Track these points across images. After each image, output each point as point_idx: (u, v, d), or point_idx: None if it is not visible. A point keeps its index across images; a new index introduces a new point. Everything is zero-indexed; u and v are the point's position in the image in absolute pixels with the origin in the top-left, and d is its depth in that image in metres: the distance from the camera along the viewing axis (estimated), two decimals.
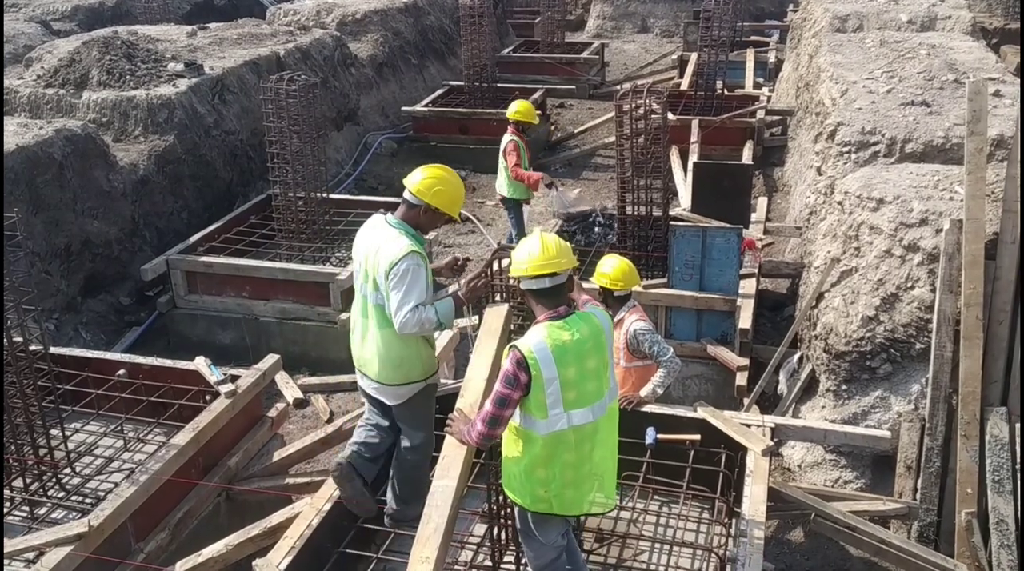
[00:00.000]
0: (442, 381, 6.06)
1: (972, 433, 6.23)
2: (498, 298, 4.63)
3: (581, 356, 3.95)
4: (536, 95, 15.28)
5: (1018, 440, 6.13)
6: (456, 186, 5.10)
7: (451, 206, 5.06)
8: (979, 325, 6.27)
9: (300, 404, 8.29)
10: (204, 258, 9.19)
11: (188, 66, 11.45)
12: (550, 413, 3.92)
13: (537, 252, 4.01)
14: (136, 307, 9.64)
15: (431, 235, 7.69)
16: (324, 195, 9.75)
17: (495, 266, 4.67)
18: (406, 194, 5.05)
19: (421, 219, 5.05)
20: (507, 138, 9.88)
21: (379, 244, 4.98)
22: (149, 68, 11.28)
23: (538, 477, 4.01)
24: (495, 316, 4.30)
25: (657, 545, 5.41)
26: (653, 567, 5.25)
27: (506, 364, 3.90)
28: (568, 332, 3.94)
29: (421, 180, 5.00)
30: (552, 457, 3.99)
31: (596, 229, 9.72)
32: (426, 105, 15.14)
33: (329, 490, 5.44)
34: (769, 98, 14.76)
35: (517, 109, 9.98)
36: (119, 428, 6.41)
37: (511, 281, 4.61)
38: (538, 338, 3.90)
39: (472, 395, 3.99)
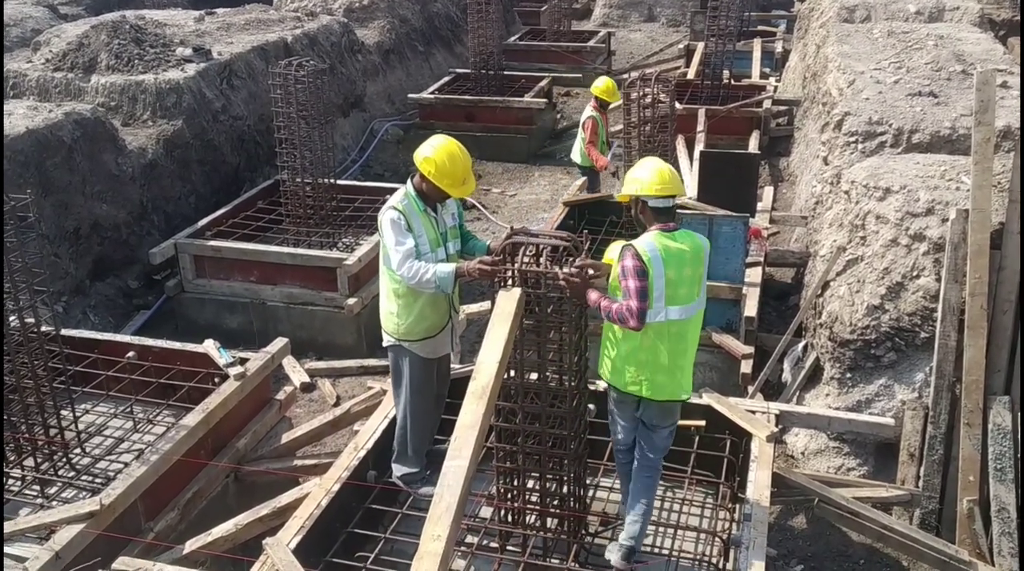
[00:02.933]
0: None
1: (975, 421, 6.27)
2: (510, 283, 4.67)
3: (682, 263, 4.64)
4: (543, 83, 15.32)
5: (1020, 429, 6.17)
6: (452, 162, 5.22)
7: (441, 177, 5.21)
8: (983, 314, 6.31)
9: (307, 388, 8.38)
10: (212, 242, 9.23)
11: (196, 51, 11.47)
12: (655, 305, 4.60)
13: (665, 176, 4.72)
14: (144, 291, 9.69)
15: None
16: (331, 181, 9.78)
17: (507, 251, 4.71)
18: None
19: (423, 186, 5.34)
20: (587, 113, 10.52)
21: None
22: (157, 53, 11.30)
23: (631, 360, 4.69)
24: (508, 300, 4.34)
25: (662, 529, 5.46)
26: (657, 550, 5.30)
27: (624, 262, 4.57)
28: (674, 242, 4.66)
29: (423, 147, 5.30)
30: (651, 346, 4.66)
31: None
32: (432, 92, 15.16)
33: (338, 471, 5.50)
34: (776, 88, 14.76)
35: (600, 85, 10.53)
36: (128, 409, 6.47)
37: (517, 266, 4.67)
38: (650, 242, 4.61)
39: (484, 377, 4.04)
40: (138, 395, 6.54)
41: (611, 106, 10.73)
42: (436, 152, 5.23)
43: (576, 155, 10.78)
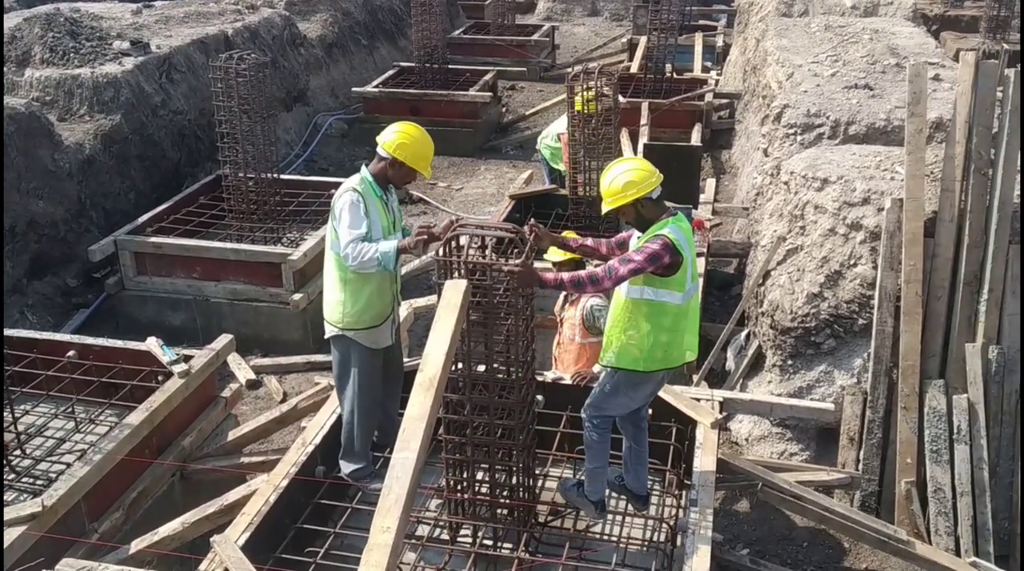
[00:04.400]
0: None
1: (912, 405, 6.46)
2: (455, 275, 4.68)
3: (691, 243, 4.90)
4: (487, 77, 15.31)
5: (955, 411, 6.37)
6: (423, 142, 5.44)
7: (415, 160, 5.40)
8: (918, 301, 6.50)
9: (253, 385, 8.31)
10: (153, 239, 9.08)
11: (134, 44, 11.25)
12: (687, 287, 4.85)
13: (649, 167, 4.87)
14: (83, 289, 9.50)
15: None
16: (275, 176, 9.68)
17: (453, 243, 4.72)
18: (377, 148, 5.45)
19: (389, 172, 5.44)
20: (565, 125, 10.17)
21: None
22: (94, 46, 11.06)
23: (660, 341, 4.86)
24: (454, 291, 4.36)
25: (610, 516, 5.52)
26: (606, 537, 5.37)
27: (652, 246, 4.66)
28: (684, 223, 4.87)
29: (389, 134, 5.41)
30: (676, 324, 4.89)
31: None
32: (377, 86, 15.05)
33: (286, 467, 5.47)
34: (717, 82, 14.95)
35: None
36: (70, 409, 6.34)
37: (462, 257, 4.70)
38: (672, 227, 4.75)
39: (432, 368, 4.05)
40: (79, 395, 6.42)
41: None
42: (404, 136, 5.40)
43: (547, 152, 10.82)
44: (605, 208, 4.91)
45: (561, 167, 10.39)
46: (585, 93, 8.95)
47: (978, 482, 6.29)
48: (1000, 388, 6.38)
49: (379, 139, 5.44)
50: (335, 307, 5.52)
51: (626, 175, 4.80)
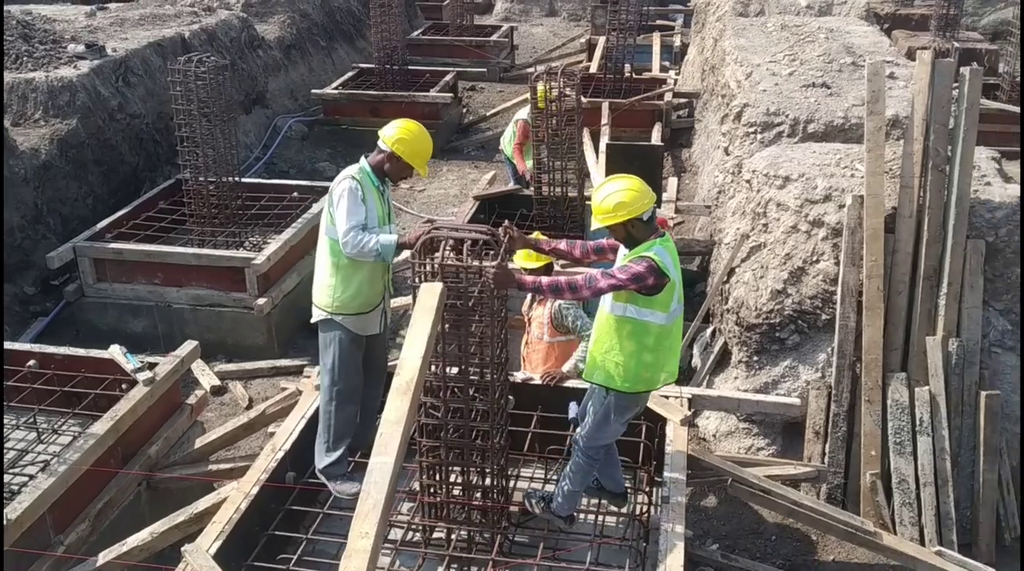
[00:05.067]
0: None
1: (875, 398, 6.57)
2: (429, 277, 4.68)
3: (677, 264, 4.89)
4: (448, 78, 15.30)
5: (917, 403, 6.49)
6: (423, 141, 5.54)
7: (412, 157, 5.48)
8: (880, 296, 6.61)
9: (218, 391, 8.23)
10: (113, 245, 8.94)
11: (89, 47, 11.06)
12: (671, 308, 4.83)
13: (644, 188, 4.82)
14: (42, 297, 9.33)
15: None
16: (235, 179, 9.58)
17: (428, 244, 4.71)
18: (379, 141, 5.53)
19: (386, 166, 5.53)
20: (523, 114, 10.63)
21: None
22: (48, 49, 10.87)
23: (645, 361, 4.86)
24: (429, 294, 4.35)
25: (582, 515, 5.55)
26: (579, 535, 5.39)
27: (635, 267, 4.66)
28: (671, 244, 4.88)
29: (390, 129, 5.51)
30: (659, 344, 4.88)
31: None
32: (336, 88, 14.97)
33: (256, 474, 5.42)
34: (676, 81, 15.07)
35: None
36: (32, 420, 6.22)
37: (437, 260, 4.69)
38: (660, 249, 4.74)
39: (408, 372, 4.04)
40: (41, 405, 6.29)
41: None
42: (405, 132, 5.49)
43: (505, 145, 11.05)
44: (594, 224, 4.93)
45: (515, 161, 10.61)
46: (548, 92, 8.99)
47: (940, 472, 6.41)
48: (960, 380, 6.51)
49: (380, 132, 5.53)
50: (325, 291, 5.55)
51: (618, 195, 4.76)
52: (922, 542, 6.31)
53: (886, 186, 6.75)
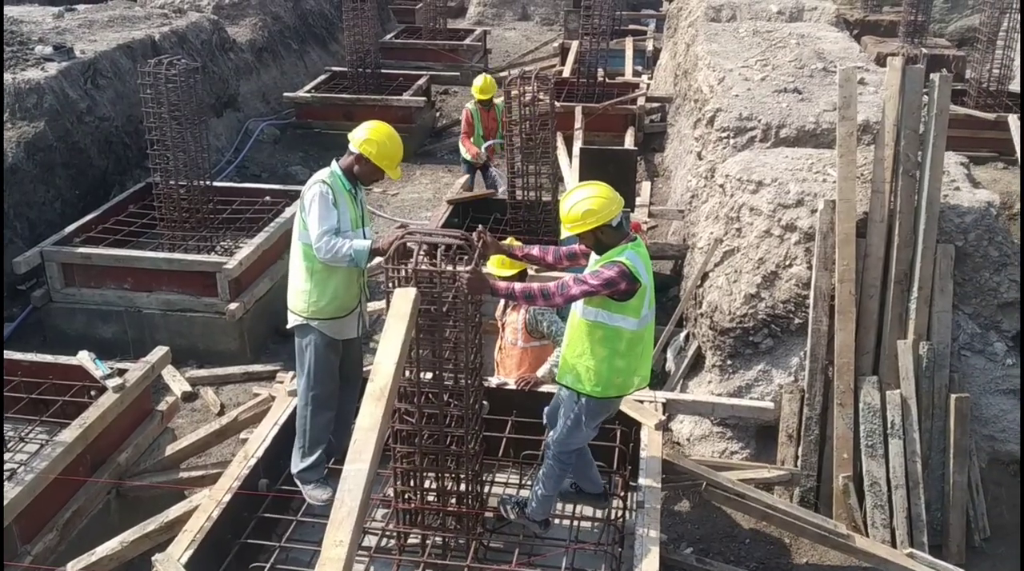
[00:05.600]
0: None
1: (847, 401, 6.62)
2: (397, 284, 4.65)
3: (649, 268, 4.86)
4: (421, 81, 15.26)
5: (888, 407, 6.54)
6: (392, 143, 5.47)
7: (381, 159, 5.42)
8: (852, 300, 6.66)
9: (189, 397, 8.14)
10: (82, 249, 8.81)
11: (57, 49, 10.91)
12: (643, 313, 4.81)
13: (613, 194, 4.80)
14: (8, 302, 9.17)
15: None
16: (207, 183, 9.49)
17: (401, 249, 4.68)
18: (349, 143, 5.49)
19: (356, 169, 5.47)
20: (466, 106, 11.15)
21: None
22: (14, 51, 10.70)
23: (617, 367, 4.86)
24: (403, 300, 4.32)
25: (557, 520, 5.53)
26: (554, 540, 5.37)
27: (607, 272, 4.63)
28: (642, 249, 4.84)
29: (360, 131, 5.45)
30: (631, 349, 4.87)
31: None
32: (309, 91, 14.89)
33: (228, 481, 5.36)
34: (648, 86, 15.13)
35: (477, 83, 10.95)
36: None
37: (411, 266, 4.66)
38: (631, 255, 4.72)
39: (383, 378, 4.01)
40: (7, 412, 6.19)
41: (495, 101, 10.86)
42: (375, 133, 5.43)
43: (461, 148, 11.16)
44: (564, 233, 4.90)
45: (466, 150, 10.87)
46: (522, 97, 9.00)
47: (912, 475, 6.47)
48: (931, 383, 6.58)
49: (350, 135, 5.47)
50: (299, 296, 5.49)
51: (586, 203, 4.74)
52: (894, 544, 6.36)
53: (857, 191, 6.80)
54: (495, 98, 10.88)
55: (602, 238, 4.80)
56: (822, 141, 8.26)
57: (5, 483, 5.37)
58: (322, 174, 5.46)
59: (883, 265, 6.73)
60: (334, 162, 5.54)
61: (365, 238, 5.51)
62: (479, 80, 10.93)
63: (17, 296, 9.20)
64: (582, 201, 4.77)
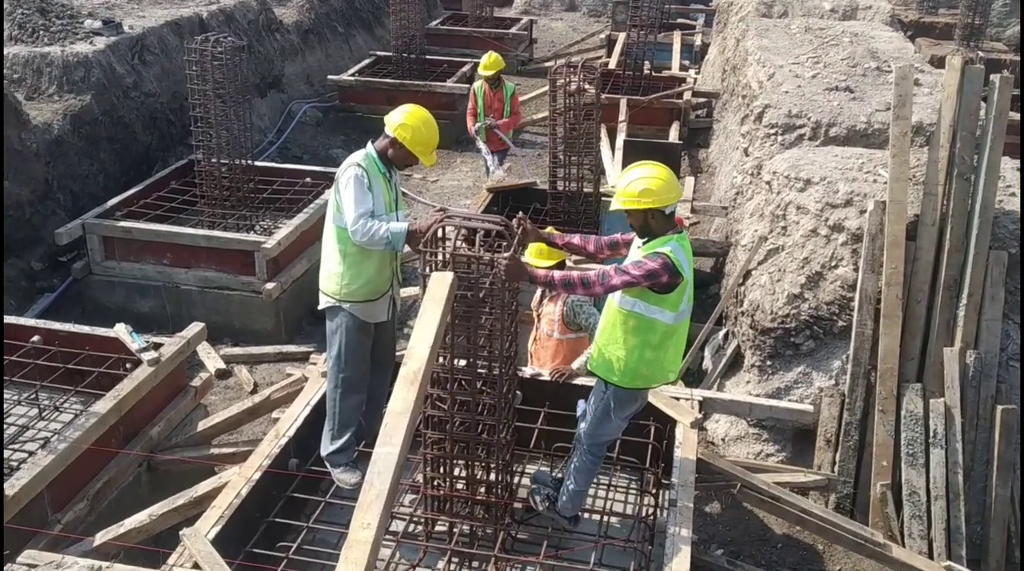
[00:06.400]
0: None
1: (889, 408, 6.46)
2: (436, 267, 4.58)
3: (691, 263, 4.74)
4: (465, 68, 15.19)
5: (931, 415, 6.37)
6: (427, 129, 5.38)
7: (414, 144, 5.33)
8: (898, 304, 6.49)
9: (223, 374, 8.16)
10: (123, 223, 8.86)
11: (106, 24, 10.98)
12: (681, 307, 4.70)
13: (674, 181, 4.66)
14: (49, 273, 9.25)
15: None
16: (248, 162, 9.50)
17: (439, 233, 4.62)
18: (385, 126, 5.42)
19: (391, 152, 5.40)
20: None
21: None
22: (64, 24, 10.78)
23: (646, 358, 4.74)
24: (439, 284, 4.25)
25: (587, 515, 5.45)
26: (583, 535, 5.29)
27: (650, 264, 4.50)
28: (687, 242, 4.72)
29: (396, 114, 5.37)
30: (663, 342, 4.76)
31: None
32: (353, 74, 14.89)
33: (258, 459, 5.33)
34: (695, 80, 14.95)
35: (482, 60, 11.05)
36: (33, 396, 6.15)
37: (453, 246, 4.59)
38: (676, 246, 4.59)
39: (416, 362, 3.95)
40: (44, 381, 6.22)
41: (507, 84, 11.00)
42: (410, 118, 5.34)
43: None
44: (615, 205, 4.76)
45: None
46: (567, 86, 8.90)
47: (952, 486, 6.30)
48: (977, 393, 6.40)
49: (386, 118, 5.40)
50: (332, 278, 5.46)
51: (645, 182, 4.59)
52: (931, 556, 6.20)
53: (909, 193, 6.63)
54: (506, 81, 10.95)
55: (651, 222, 4.65)
56: (872, 141, 8.08)
57: (39, 451, 5.39)
58: (357, 156, 5.41)
59: (932, 270, 6.55)
60: (369, 144, 5.48)
61: (398, 219, 5.46)
62: (485, 57, 10.99)
63: (58, 267, 9.28)
64: (642, 179, 4.62)
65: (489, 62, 10.82)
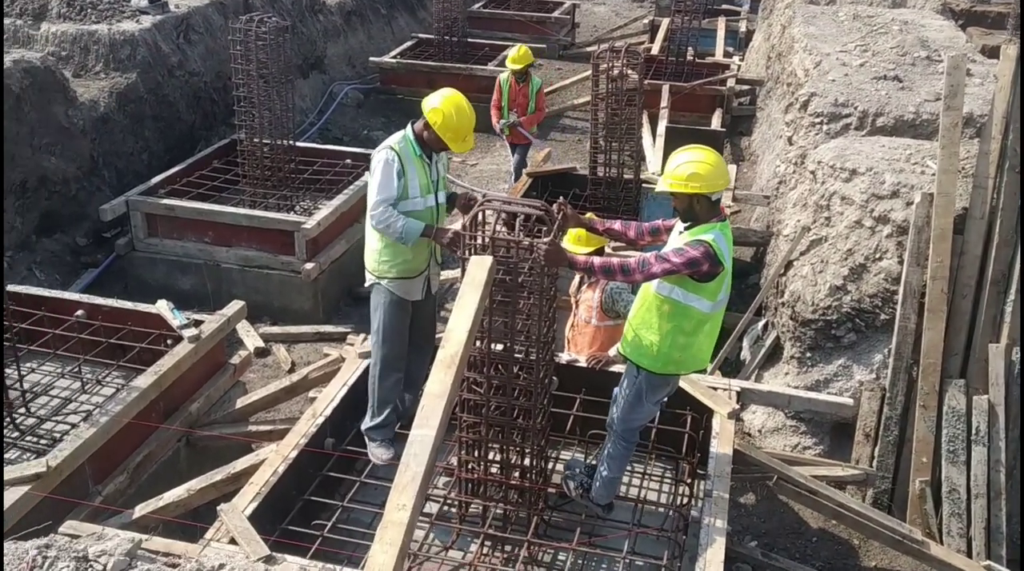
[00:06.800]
0: None
1: (930, 404, 6.36)
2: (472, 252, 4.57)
3: (732, 251, 4.71)
4: (507, 52, 15.09)
5: (974, 412, 6.26)
6: (460, 116, 5.31)
7: (446, 130, 5.29)
8: (943, 298, 6.37)
9: (261, 353, 8.23)
10: (166, 201, 8.97)
11: (152, 2, 11.08)
12: (719, 297, 4.66)
13: (724, 168, 4.61)
14: (93, 248, 9.39)
15: None
16: (290, 143, 9.55)
17: (479, 217, 4.60)
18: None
19: (426, 135, 5.38)
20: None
21: None
22: (111, 2, 10.89)
23: (679, 343, 4.70)
24: (479, 267, 4.24)
25: (621, 503, 5.43)
26: (618, 523, 5.28)
27: (692, 252, 4.44)
28: (728, 231, 4.67)
29: (433, 97, 5.34)
30: (697, 329, 4.71)
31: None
32: (394, 57, 14.89)
33: (295, 438, 5.38)
34: (739, 67, 14.76)
35: (510, 53, 10.81)
36: (76, 370, 6.26)
37: (485, 234, 4.58)
38: (718, 235, 4.53)
39: (454, 346, 3.94)
40: (86, 355, 6.33)
41: (534, 79, 10.81)
42: (445, 103, 5.29)
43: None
44: (661, 187, 4.70)
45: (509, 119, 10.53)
46: (610, 71, 8.83)
47: (994, 484, 6.18)
48: (1021, 390, 6.27)
49: (424, 99, 5.39)
50: (371, 255, 5.54)
51: (695, 166, 4.52)
52: (970, 555, 6.10)
53: (958, 185, 6.49)
54: (533, 76, 10.73)
55: (696, 207, 4.59)
56: (921, 132, 7.92)
57: (82, 424, 5.48)
58: (394, 139, 5.41)
59: (980, 264, 6.42)
60: (410, 125, 5.48)
61: (437, 202, 5.50)
62: (513, 49, 10.75)
63: (102, 243, 9.42)
64: (692, 162, 4.55)
65: (518, 55, 10.59)
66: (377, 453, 5.60)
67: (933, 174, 6.59)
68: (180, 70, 10.92)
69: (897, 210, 6.73)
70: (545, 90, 15.52)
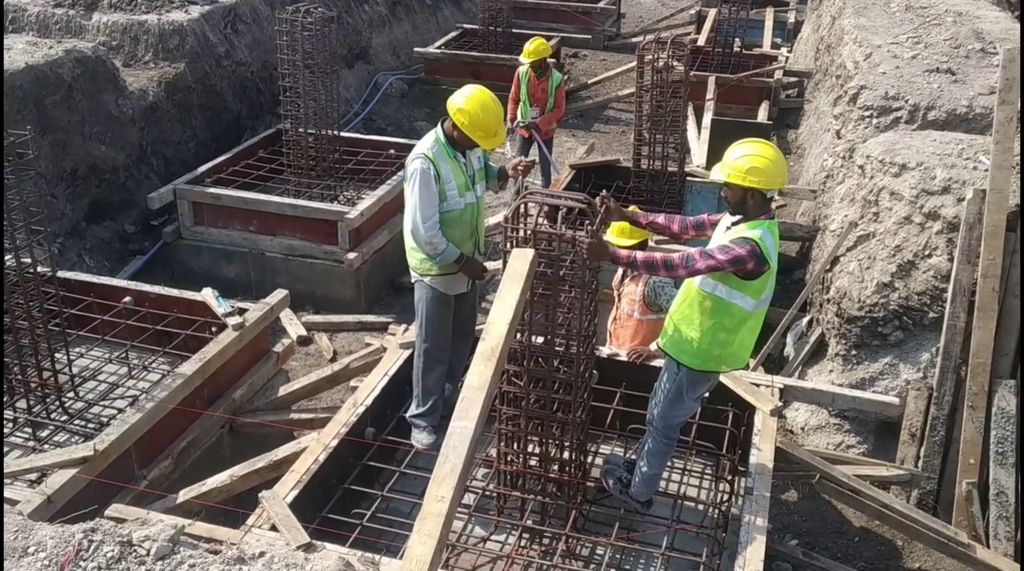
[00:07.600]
0: None
1: (979, 404, 6.23)
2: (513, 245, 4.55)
3: (777, 248, 4.62)
4: (552, 43, 15.05)
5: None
6: (486, 114, 5.27)
7: (471, 128, 5.26)
8: (995, 297, 6.24)
9: (304, 341, 8.30)
10: (212, 190, 9.08)
11: None
12: (763, 295, 4.62)
13: (784, 166, 4.58)
14: (141, 235, 9.54)
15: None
16: (334, 133, 9.61)
17: (521, 209, 4.59)
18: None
19: (455, 134, 5.36)
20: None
21: None
22: None
23: (719, 340, 4.68)
24: (520, 260, 4.23)
25: (660, 499, 5.40)
26: (657, 519, 5.25)
27: (738, 250, 4.40)
28: (776, 229, 4.61)
29: (457, 96, 5.32)
30: (739, 327, 4.67)
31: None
32: (439, 47, 14.91)
33: (336, 427, 5.42)
34: (787, 59, 14.56)
35: (527, 47, 10.27)
36: (123, 355, 6.37)
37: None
38: (765, 233, 4.48)
39: (494, 338, 3.94)
40: (133, 341, 6.44)
41: (555, 73, 10.41)
42: (469, 102, 5.26)
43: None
44: (717, 175, 4.66)
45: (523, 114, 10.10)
46: (655, 62, 8.74)
47: None
48: None
49: (449, 99, 5.35)
50: (411, 254, 5.58)
51: (756, 160, 4.48)
52: (1016, 559, 5.98)
53: (1012, 181, 6.34)
54: (554, 71, 10.28)
55: (749, 202, 4.55)
56: (974, 126, 7.74)
57: (128, 409, 5.57)
58: (425, 144, 5.38)
59: None
60: (439, 126, 5.44)
61: (477, 196, 5.51)
62: (529, 42, 10.22)
63: (150, 230, 9.56)
64: (753, 156, 4.50)
65: (533, 47, 10.09)
66: (419, 438, 5.65)
67: (985, 170, 6.44)
68: (227, 60, 11.03)
69: (948, 206, 6.59)
70: (590, 81, 15.57)
